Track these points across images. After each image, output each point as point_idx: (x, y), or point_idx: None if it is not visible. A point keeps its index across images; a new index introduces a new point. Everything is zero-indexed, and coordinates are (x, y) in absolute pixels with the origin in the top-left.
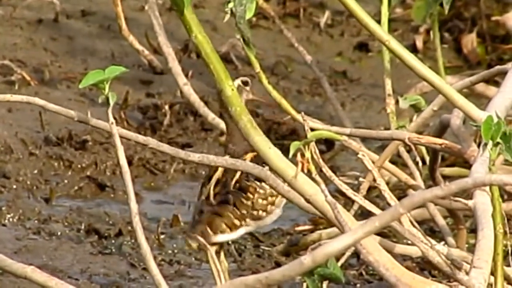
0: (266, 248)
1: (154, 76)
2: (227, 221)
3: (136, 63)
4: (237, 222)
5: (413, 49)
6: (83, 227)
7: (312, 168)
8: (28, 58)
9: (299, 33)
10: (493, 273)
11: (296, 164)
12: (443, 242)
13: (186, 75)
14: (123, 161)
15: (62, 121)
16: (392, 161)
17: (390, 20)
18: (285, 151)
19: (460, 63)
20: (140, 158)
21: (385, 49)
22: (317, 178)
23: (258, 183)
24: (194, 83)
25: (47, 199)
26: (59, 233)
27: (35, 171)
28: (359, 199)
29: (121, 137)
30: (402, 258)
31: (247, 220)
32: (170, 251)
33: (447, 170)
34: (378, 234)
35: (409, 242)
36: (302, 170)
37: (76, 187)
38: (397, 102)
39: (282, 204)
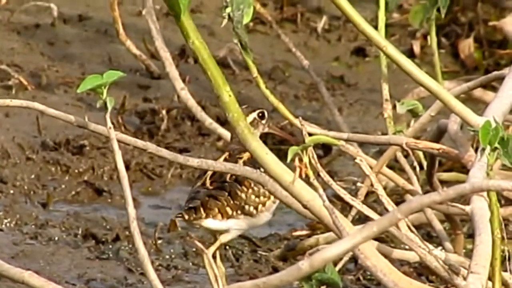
0: (263, 253)
1: (151, 81)
2: (220, 207)
3: (133, 68)
4: (229, 210)
5: (410, 54)
6: (80, 232)
7: (310, 173)
8: (25, 63)
9: (297, 38)
10: (490, 278)
11: (293, 169)
12: (440, 247)
13: (183, 80)
14: (121, 166)
15: (59, 126)
16: (389, 166)
17: (387, 25)
18: (282, 156)
19: (457, 68)
20: (137, 163)
21: (382, 54)
22: (315, 183)
23: None
24: (191, 88)
25: (44, 204)
26: (56, 238)
27: (32, 176)
28: (357, 204)
29: (119, 141)
30: (400, 263)
31: (239, 212)
32: (167, 256)
33: (445, 175)
34: (375, 239)
35: (407, 247)
36: (300, 175)
37: (73, 192)
38: (394, 107)
39: (272, 208)
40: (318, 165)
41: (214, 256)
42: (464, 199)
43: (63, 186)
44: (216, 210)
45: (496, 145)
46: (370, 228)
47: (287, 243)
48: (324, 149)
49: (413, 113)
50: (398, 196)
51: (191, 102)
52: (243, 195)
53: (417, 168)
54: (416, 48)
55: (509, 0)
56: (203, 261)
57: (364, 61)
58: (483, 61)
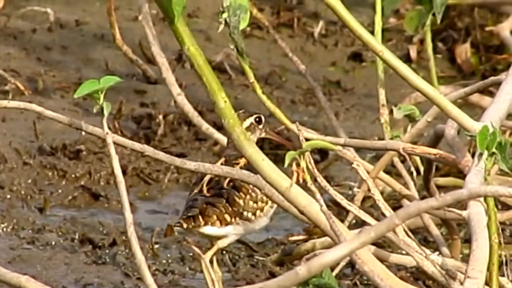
0: (260, 258)
1: (148, 86)
2: (219, 214)
3: (130, 73)
4: (227, 217)
5: (407, 59)
6: (77, 236)
7: (308, 178)
8: (22, 68)
9: (293, 43)
10: (487, 283)
11: (289, 174)
12: (437, 252)
13: (180, 85)
14: (118, 171)
15: (56, 130)
16: (386, 171)
17: (383, 30)
18: (278, 161)
19: (453, 73)
20: (134, 167)
21: (379, 59)
22: (312, 188)
23: (251, 185)
24: (187, 93)
25: (41, 209)
26: (53, 243)
27: (29, 181)
28: (354, 209)
29: (117, 144)
30: (397, 268)
31: (237, 218)
32: (164, 261)
33: (441, 180)
34: (372, 244)
35: (404, 252)
36: (297, 180)
37: (70, 197)
38: (391, 112)
39: (269, 213)
40: (315, 170)
41: (211, 261)
42: (461, 204)
43: (60, 190)
44: (215, 217)
45: (494, 150)
46: (367, 233)
47: (283, 248)
48: (321, 154)
49: (410, 118)
50: (395, 201)
51: (188, 107)
52: (241, 202)
53: (414, 173)
54: (413, 53)
55: (505, 5)
56: (200, 266)
57: (360, 66)
58: (480, 66)
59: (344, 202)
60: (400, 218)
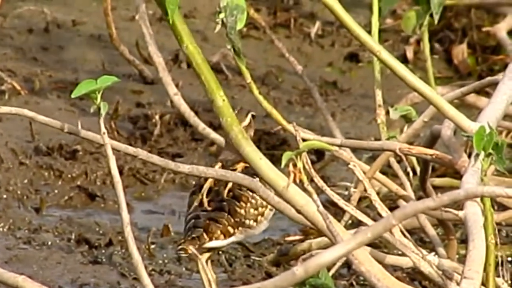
0: (257, 258)
1: (144, 86)
2: (223, 228)
3: (126, 73)
4: (231, 229)
5: (403, 59)
6: (73, 237)
7: (304, 178)
8: (18, 68)
9: (290, 43)
10: (484, 283)
11: (286, 174)
12: (433, 253)
13: (177, 85)
14: (115, 171)
15: (52, 131)
16: (382, 172)
17: (380, 31)
18: (275, 161)
19: (450, 74)
20: (130, 168)
21: (376, 60)
22: (309, 188)
23: (250, 192)
24: (184, 93)
25: (37, 209)
26: (49, 243)
27: (25, 181)
28: (351, 209)
29: (111, 148)
30: (393, 269)
31: (240, 228)
32: (160, 261)
33: (438, 181)
34: (368, 244)
35: (400, 252)
36: (294, 180)
37: (66, 197)
38: (387, 112)
39: (269, 216)
40: (312, 170)
41: (207, 262)
42: (457, 204)
43: (56, 191)
44: (218, 232)
45: (491, 150)
46: (364, 234)
47: (280, 248)
48: (317, 154)
49: (407, 119)
50: (391, 202)
51: (184, 108)
52: (242, 211)
53: (410, 174)
54: (409, 54)
55: (502, 6)
56: (196, 266)
57: (357, 66)
58: (477, 66)
59: (340, 202)
60: (397, 219)
